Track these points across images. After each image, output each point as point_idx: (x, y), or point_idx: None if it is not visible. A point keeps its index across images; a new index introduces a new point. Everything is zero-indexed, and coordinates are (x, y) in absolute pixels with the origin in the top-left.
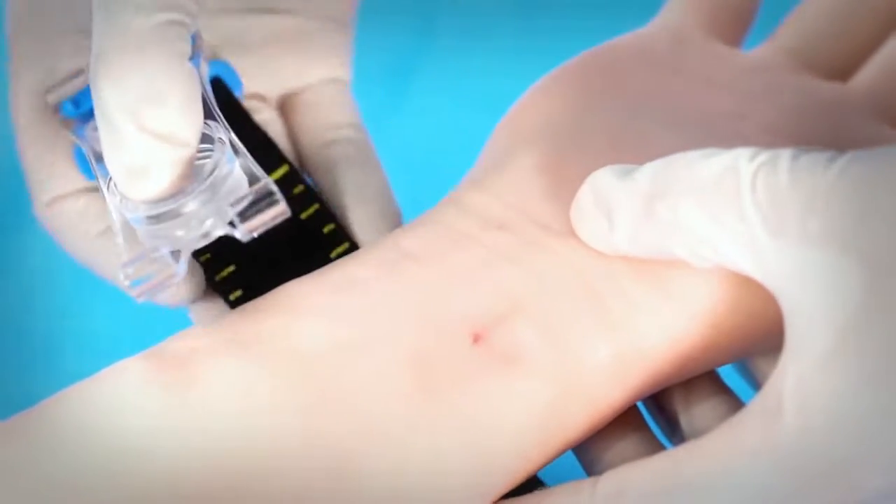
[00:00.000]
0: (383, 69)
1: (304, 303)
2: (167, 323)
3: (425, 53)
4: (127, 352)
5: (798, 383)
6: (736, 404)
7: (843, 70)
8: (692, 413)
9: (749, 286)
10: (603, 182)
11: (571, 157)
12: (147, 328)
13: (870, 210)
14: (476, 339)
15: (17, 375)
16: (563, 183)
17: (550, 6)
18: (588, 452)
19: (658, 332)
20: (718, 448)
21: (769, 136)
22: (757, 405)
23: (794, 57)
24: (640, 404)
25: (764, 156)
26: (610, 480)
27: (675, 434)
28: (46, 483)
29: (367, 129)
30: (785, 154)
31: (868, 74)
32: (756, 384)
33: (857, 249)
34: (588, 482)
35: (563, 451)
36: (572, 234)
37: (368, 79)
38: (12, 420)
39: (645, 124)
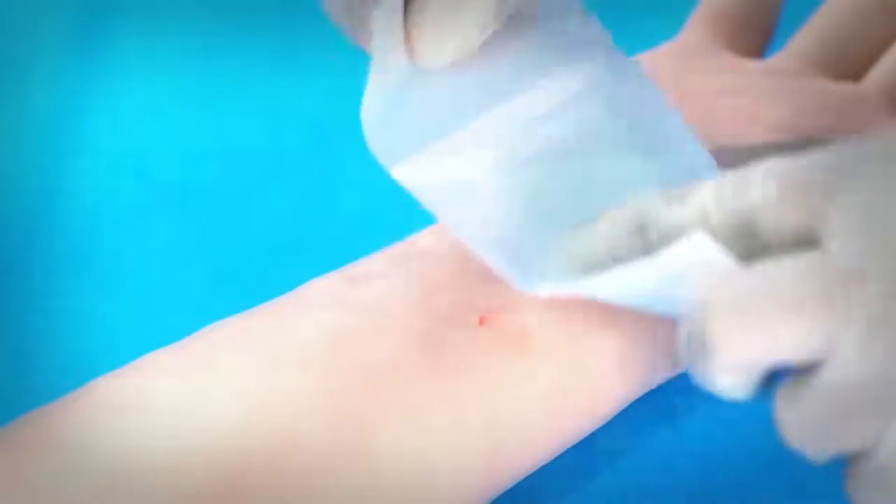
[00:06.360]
0: None
1: (314, 296)
2: (167, 323)
3: None
4: (127, 351)
5: None
6: None
7: (856, 73)
8: None
9: None
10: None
11: None
12: (148, 328)
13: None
14: (482, 321)
15: (17, 375)
16: None
17: None
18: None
19: (658, 319)
20: None
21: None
22: None
23: (809, 62)
24: None
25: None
26: None
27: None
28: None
29: None
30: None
31: (881, 71)
32: None
33: None
34: None
35: (567, 444)
36: None
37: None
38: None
39: None
